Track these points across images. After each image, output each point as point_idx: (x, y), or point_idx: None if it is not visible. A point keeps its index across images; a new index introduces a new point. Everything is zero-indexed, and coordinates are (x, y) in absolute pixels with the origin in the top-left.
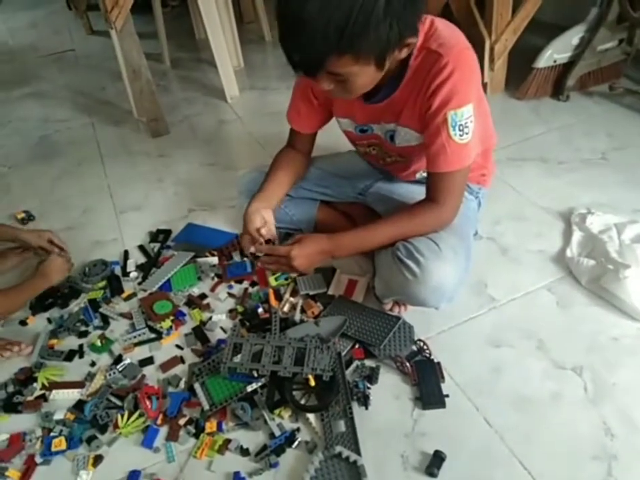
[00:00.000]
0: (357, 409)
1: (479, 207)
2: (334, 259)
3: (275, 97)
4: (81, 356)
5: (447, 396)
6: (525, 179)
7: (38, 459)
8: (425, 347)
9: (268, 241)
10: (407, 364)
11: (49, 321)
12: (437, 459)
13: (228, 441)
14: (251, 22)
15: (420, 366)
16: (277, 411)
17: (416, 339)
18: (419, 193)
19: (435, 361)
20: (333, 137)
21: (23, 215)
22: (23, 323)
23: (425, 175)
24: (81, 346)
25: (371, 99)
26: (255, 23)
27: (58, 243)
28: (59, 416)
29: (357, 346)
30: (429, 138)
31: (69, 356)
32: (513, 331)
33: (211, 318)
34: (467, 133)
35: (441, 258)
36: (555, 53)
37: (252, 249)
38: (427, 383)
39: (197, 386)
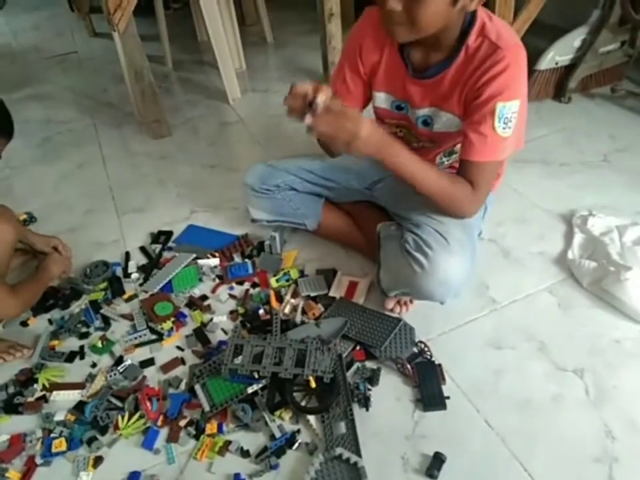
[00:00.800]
0: (357, 410)
1: (485, 211)
2: (376, 161)
3: (276, 98)
4: (82, 357)
5: (448, 398)
6: (526, 181)
7: (38, 460)
8: (426, 349)
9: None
10: (408, 366)
11: (50, 322)
12: (437, 461)
13: (228, 442)
14: (252, 24)
15: (421, 368)
16: (277, 413)
17: (417, 340)
18: None
19: (436, 362)
20: None
21: (25, 216)
22: (24, 324)
23: (444, 160)
24: (82, 347)
25: (422, 74)
26: (257, 25)
27: (62, 250)
28: (59, 417)
29: (357, 347)
30: (471, 125)
31: (70, 357)
32: (514, 333)
33: (211, 319)
34: (509, 127)
35: (449, 251)
36: (557, 55)
37: (319, 99)
38: (427, 385)
39: (197, 387)
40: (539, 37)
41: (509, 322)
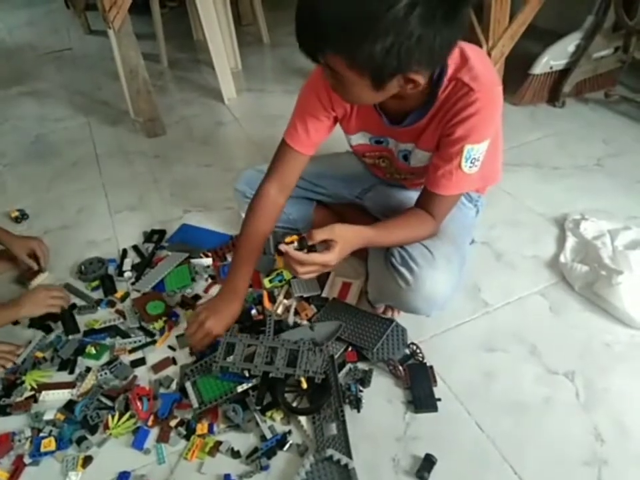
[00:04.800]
0: (348, 412)
1: (477, 215)
2: None
3: (272, 99)
4: (72, 371)
5: (439, 400)
6: (520, 184)
7: (27, 460)
8: (418, 351)
9: None
10: (400, 367)
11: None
12: (428, 463)
13: (219, 442)
14: (249, 24)
15: (413, 369)
16: (268, 413)
17: (409, 342)
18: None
19: (428, 364)
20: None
21: (17, 213)
22: (15, 322)
23: None
24: (74, 360)
25: (396, 124)
26: (253, 25)
27: (40, 254)
28: (48, 416)
29: (349, 349)
30: (439, 161)
31: (61, 367)
32: (505, 335)
33: None
34: (476, 166)
35: (434, 267)
36: (552, 60)
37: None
38: (419, 387)
39: (187, 384)
40: (533, 41)
41: (500, 325)
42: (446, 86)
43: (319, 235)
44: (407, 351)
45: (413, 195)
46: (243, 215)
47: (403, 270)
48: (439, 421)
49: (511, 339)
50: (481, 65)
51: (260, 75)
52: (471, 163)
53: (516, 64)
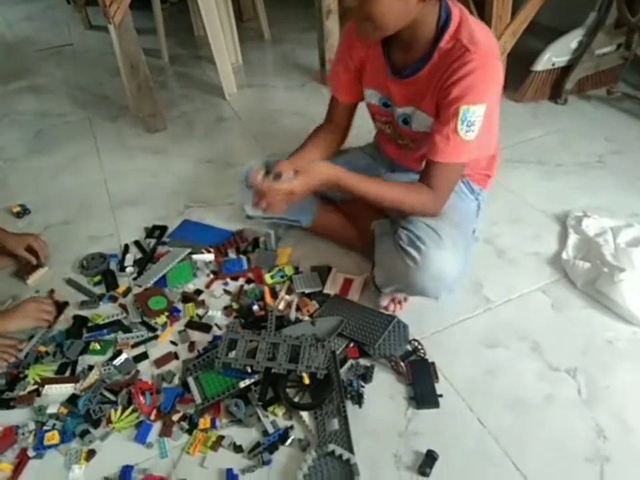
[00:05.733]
0: (350, 407)
1: (478, 210)
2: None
3: (272, 94)
4: (73, 372)
5: (441, 396)
6: (522, 181)
7: (30, 453)
8: (420, 347)
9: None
10: (402, 363)
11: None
12: (430, 459)
13: (221, 437)
14: (249, 19)
15: (414, 366)
16: (270, 408)
17: (411, 338)
18: None
19: (430, 360)
20: None
21: (18, 208)
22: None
23: None
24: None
25: (400, 74)
26: (254, 21)
27: (38, 249)
28: (52, 410)
29: (351, 345)
30: (436, 126)
31: (61, 369)
32: (507, 332)
33: (206, 314)
34: (472, 131)
35: (441, 247)
36: (554, 57)
37: (258, 178)
38: (421, 383)
39: (190, 380)
40: (536, 38)
41: (502, 321)
42: (447, 42)
43: (285, 164)
44: (409, 347)
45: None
46: (246, 209)
47: (410, 250)
48: (440, 417)
49: (513, 335)
50: (482, 35)
51: (261, 71)
52: (467, 126)
53: (518, 61)
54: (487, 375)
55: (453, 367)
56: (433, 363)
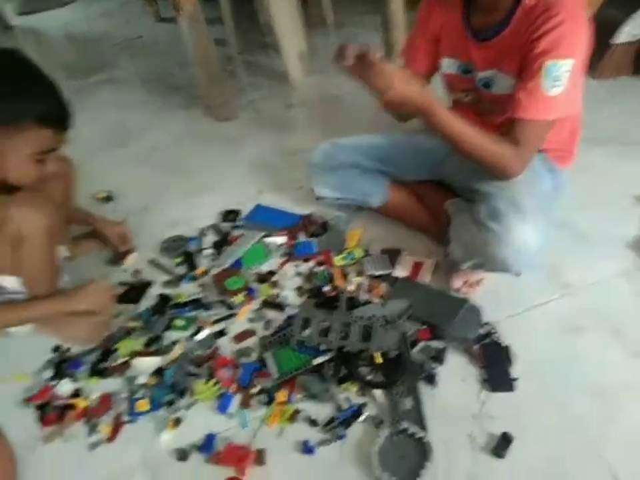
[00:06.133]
0: (423, 388)
1: (557, 190)
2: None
3: (338, 80)
4: (159, 345)
5: (516, 380)
6: (602, 162)
7: (125, 418)
8: (494, 330)
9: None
10: (475, 346)
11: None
12: (505, 441)
13: (297, 411)
14: (314, 5)
15: (488, 349)
16: (344, 385)
17: (484, 321)
18: None
19: (504, 344)
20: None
21: (104, 194)
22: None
23: None
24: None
25: (481, 37)
26: (318, 7)
27: (129, 236)
28: (141, 380)
29: (423, 327)
30: (520, 83)
31: (149, 342)
32: (587, 317)
33: (279, 294)
34: (558, 86)
35: (523, 219)
36: (636, 29)
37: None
38: (495, 366)
39: (267, 355)
40: (615, 9)
41: (581, 306)
42: None
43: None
44: (482, 331)
45: None
46: (315, 189)
47: (491, 223)
48: (515, 401)
49: (593, 321)
50: None
51: (326, 56)
52: (553, 81)
53: (596, 34)
54: (564, 360)
55: (528, 351)
56: (507, 347)
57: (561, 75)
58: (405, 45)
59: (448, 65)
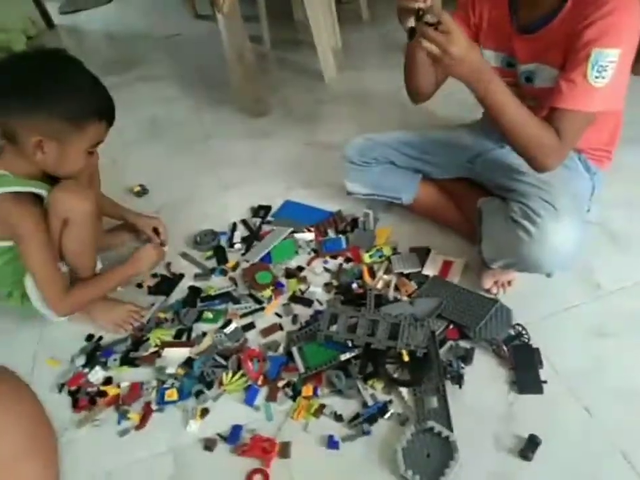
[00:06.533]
0: (450, 387)
1: (594, 191)
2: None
3: (372, 76)
4: (189, 337)
5: (545, 382)
6: (637, 161)
7: (154, 406)
8: (524, 332)
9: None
10: (504, 348)
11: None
12: (532, 443)
13: (323, 405)
14: (349, 2)
15: (517, 350)
16: (370, 382)
17: (514, 323)
18: None
19: (534, 346)
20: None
21: (138, 188)
22: (139, 285)
23: None
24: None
25: (526, 29)
26: (353, 3)
27: (162, 232)
28: (170, 370)
29: (451, 326)
30: (564, 73)
31: (178, 334)
32: (619, 321)
33: (307, 289)
34: (603, 77)
35: (558, 220)
36: None
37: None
38: (524, 368)
39: (294, 350)
40: None
41: (614, 310)
42: None
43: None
44: (512, 332)
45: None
46: (347, 184)
47: (525, 222)
48: (544, 404)
49: (625, 324)
50: None
51: (360, 53)
52: (598, 72)
53: None
54: (596, 364)
55: (559, 354)
56: (537, 349)
57: (607, 65)
58: None
59: (490, 58)
